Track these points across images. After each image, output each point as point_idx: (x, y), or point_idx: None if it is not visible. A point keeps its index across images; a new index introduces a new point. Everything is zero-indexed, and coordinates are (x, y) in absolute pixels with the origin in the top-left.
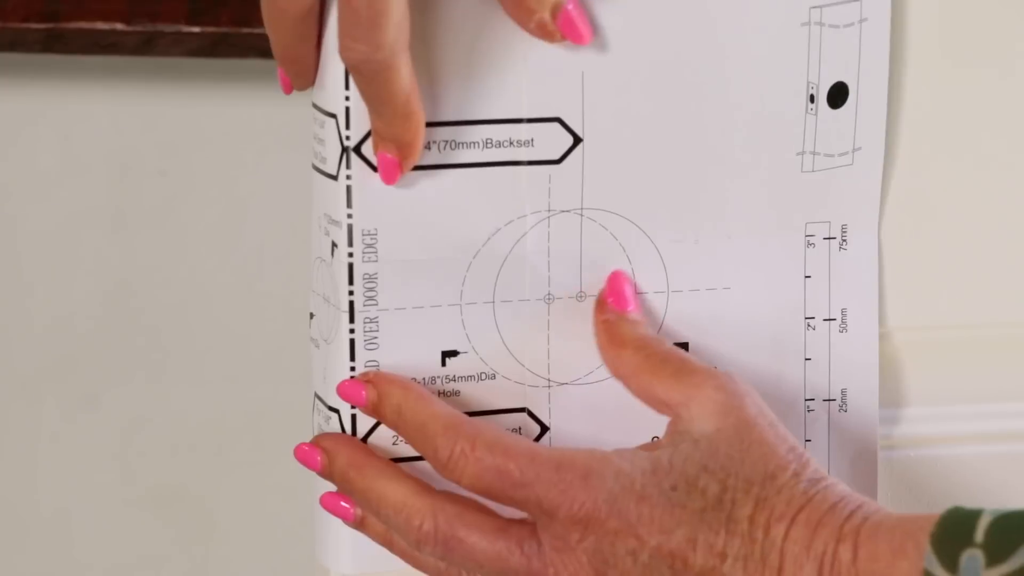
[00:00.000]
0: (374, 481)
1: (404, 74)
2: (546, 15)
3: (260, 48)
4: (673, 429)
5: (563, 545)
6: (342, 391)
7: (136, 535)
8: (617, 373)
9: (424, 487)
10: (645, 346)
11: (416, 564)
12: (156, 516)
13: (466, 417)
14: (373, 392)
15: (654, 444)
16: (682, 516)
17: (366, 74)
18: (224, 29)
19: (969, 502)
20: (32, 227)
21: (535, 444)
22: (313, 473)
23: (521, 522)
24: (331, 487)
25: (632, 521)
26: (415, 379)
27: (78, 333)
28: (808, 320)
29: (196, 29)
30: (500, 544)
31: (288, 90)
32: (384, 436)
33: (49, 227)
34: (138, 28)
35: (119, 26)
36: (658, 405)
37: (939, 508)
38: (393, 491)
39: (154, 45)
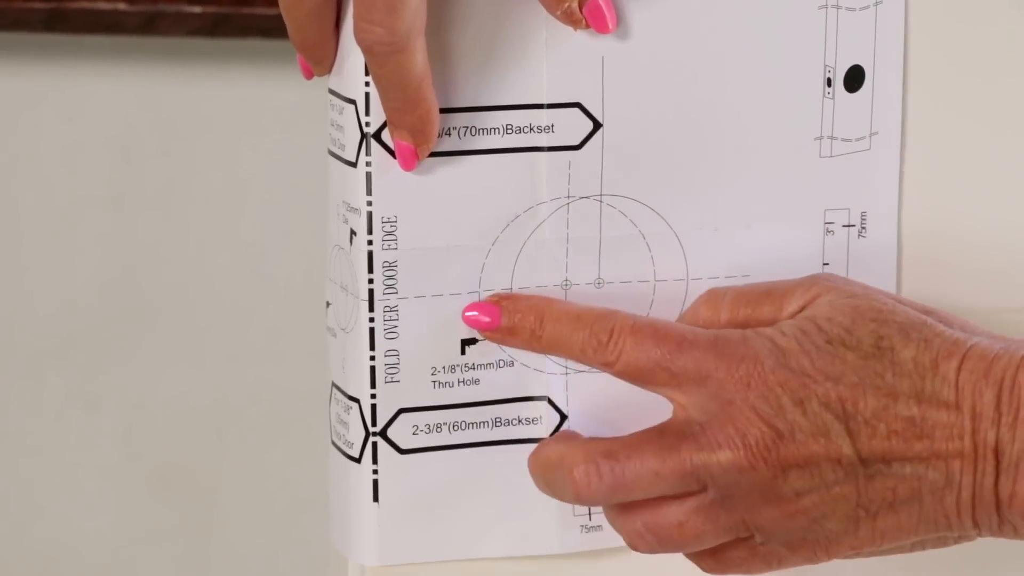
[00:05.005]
0: (536, 475)
1: (418, 59)
2: (574, 3)
3: (262, 28)
4: (808, 309)
5: (727, 405)
6: (471, 315)
7: (138, 517)
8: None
9: (572, 436)
10: (731, 296)
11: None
12: (158, 497)
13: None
14: (509, 303)
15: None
16: (845, 364)
17: (379, 57)
18: (226, 9)
19: None
20: (34, 208)
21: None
22: (321, 459)
23: (669, 421)
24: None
25: (796, 372)
26: (434, 367)
27: (80, 315)
28: None
29: (198, 9)
30: (666, 440)
31: (308, 76)
32: (403, 428)
33: (51, 208)
34: (140, 8)
35: (121, 6)
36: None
37: None
38: (552, 451)
39: (156, 25)
